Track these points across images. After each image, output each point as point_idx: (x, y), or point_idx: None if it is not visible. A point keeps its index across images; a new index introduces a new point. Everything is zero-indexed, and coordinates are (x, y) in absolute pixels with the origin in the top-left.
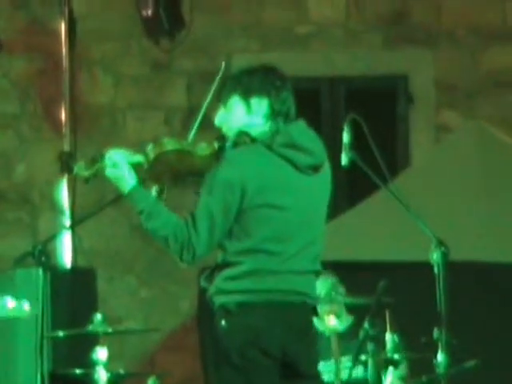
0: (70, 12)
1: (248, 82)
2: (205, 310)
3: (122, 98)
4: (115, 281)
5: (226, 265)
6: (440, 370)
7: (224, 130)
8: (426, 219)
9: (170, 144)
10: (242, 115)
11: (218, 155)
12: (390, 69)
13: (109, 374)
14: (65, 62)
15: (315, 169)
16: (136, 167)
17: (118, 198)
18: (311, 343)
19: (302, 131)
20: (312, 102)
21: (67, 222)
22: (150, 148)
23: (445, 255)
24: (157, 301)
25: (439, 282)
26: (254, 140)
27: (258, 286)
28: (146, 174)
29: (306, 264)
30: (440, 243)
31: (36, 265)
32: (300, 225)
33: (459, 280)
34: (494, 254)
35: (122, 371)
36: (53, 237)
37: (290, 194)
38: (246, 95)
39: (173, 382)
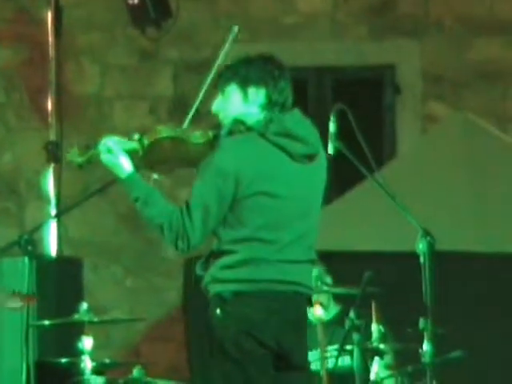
0: (57, 1)
1: (246, 71)
2: (190, 301)
3: (108, 87)
4: (101, 270)
5: (220, 253)
6: (426, 359)
7: (220, 117)
8: (412, 209)
9: (164, 131)
10: (238, 104)
11: (212, 144)
12: (377, 59)
13: (94, 364)
14: (51, 52)
15: (310, 158)
16: (131, 154)
17: (104, 187)
18: (304, 334)
19: (296, 120)
20: (299, 92)
21: (53, 211)
22: (144, 135)
23: (431, 245)
24: (142, 291)
25: (425, 272)
26: (249, 129)
27: (254, 275)
28: (140, 161)
29: (300, 253)
30: (426, 233)
31: (22, 254)
32: (295, 214)
33: (445, 270)
34: (480, 244)
35: (107, 360)
36: (39, 226)
37: (284, 182)
38: (244, 84)
39: (158, 372)
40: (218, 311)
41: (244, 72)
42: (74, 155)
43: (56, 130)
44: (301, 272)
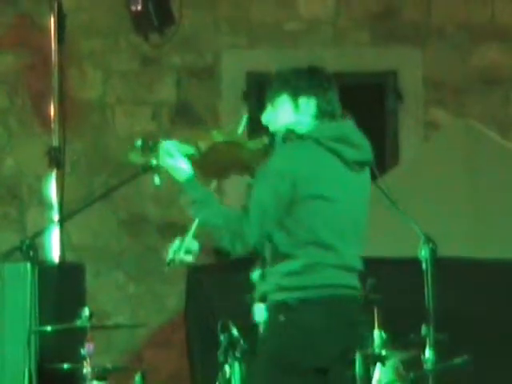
0: (59, 7)
1: (296, 82)
2: (192, 308)
3: (111, 93)
4: (103, 276)
5: (279, 258)
6: (428, 366)
7: (271, 128)
8: (415, 216)
9: (220, 135)
10: (289, 114)
11: (266, 150)
12: (379, 66)
13: (96, 369)
14: (54, 57)
15: (361, 165)
16: (188, 158)
17: (107, 193)
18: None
19: (351, 127)
20: None
21: (55, 216)
22: (199, 142)
23: (433, 251)
24: (144, 296)
25: (427, 279)
26: (301, 136)
27: (318, 281)
28: (196, 165)
29: (353, 261)
30: (428, 239)
31: (24, 259)
32: (348, 220)
33: (447, 276)
34: (482, 251)
35: (109, 366)
36: (41, 232)
37: (338, 187)
38: (295, 94)
39: (160, 378)
40: (282, 318)
41: (294, 82)
42: (135, 156)
43: (58, 135)
44: (354, 278)
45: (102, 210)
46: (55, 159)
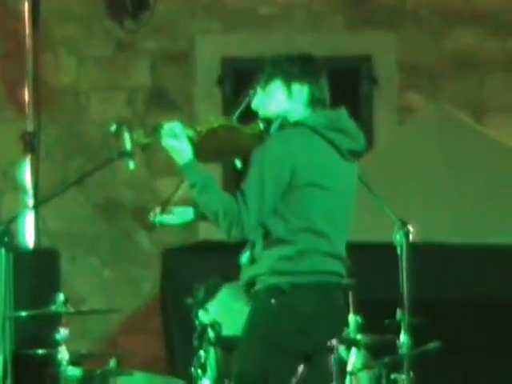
0: None
1: (290, 68)
2: (168, 292)
3: (85, 78)
4: (78, 261)
5: (273, 243)
6: (403, 351)
7: (260, 113)
8: (389, 200)
9: (220, 120)
10: (282, 100)
11: (262, 136)
12: (354, 50)
13: (71, 355)
14: (28, 43)
15: (354, 155)
16: (188, 141)
17: (82, 178)
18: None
19: (346, 117)
20: None
21: (30, 202)
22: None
23: (408, 236)
24: (119, 282)
25: (402, 263)
26: (297, 124)
27: (311, 267)
28: (194, 149)
29: (341, 249)
30: (403, 224)
31: None
32: (340, 209)
33: (422, 261)
34: (457, 235)
35: (84, 351)
36: (16, 217)
37: (333, 176)
38: (288, 81)
39: (135, 363)
40: (274, 301)
41: (288, 69)
42: (139, 136)
43: (33, 120)
44: (341, 266)
45: (77, 196)
46: (30, 144)
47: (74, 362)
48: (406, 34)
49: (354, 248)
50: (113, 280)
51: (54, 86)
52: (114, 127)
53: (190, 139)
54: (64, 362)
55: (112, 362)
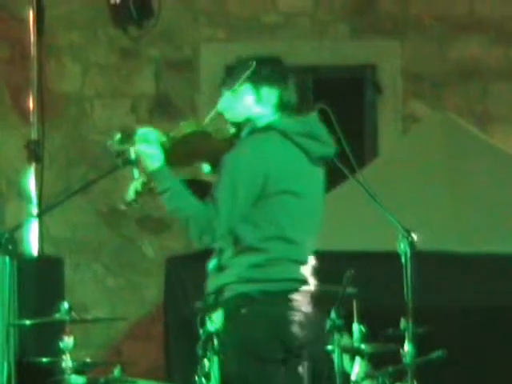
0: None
1: (259, 71)
2: (172, 300)
3: (89, 86)
4: (82, 269)
5: (244, 250)
6: (406, 360)
7: (227, 116)
8: (393, 209)
9: (191, 126)
10: (251, 104)
11: (232, 140)
12: (358, 58)
13: (75, 363)
14: (32, 50)
15: (324, 160)
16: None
17: (86, 186)
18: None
19: (317, 122)
20: None
21: (34, 210)
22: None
23: (412, 245)
24: (123, 290)
25: (406, 272)
26: (267, 128)
27: (282, 274)
28: (165, 155)
29: (309, 256)
30: (407, 233)
31: (3, 253)
32: (310, 215)
33: (426, 270)
34: (460, 244)
35: (88, 360)
36: (20, 225)
37: (304, 182)
38: (257, 84)
39: (139, 371)
40: (244, 311)
41: (257, 72)
42: (116, 142)
43: (37, 128)
44: (306, 272)
45: (81, 203)
46: (34, 152)
47: (77, 370)
48: (410, 43)
49: (357, 257)
50: (116, 288)
51: (58, 93)
52: (118, 135)
53: (163, 145)
54: (68, 371)
55: (116, 371)
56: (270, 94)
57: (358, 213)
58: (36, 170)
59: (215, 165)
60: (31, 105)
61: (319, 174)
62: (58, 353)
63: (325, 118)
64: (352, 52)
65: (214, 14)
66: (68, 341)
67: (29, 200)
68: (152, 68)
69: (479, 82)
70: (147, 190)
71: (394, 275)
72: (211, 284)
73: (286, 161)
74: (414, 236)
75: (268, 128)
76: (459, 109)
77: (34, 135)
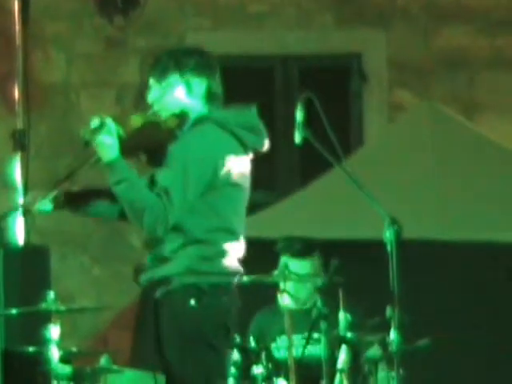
0: None
1: (188, 62)
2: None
3: (75, 75)
4: (68, 259)
5: (190, 242)
6: (393, 348)
7: (156, 107)
8: (379, 197)
9: (143, 116)
10: (182, 96)
11: (174, 131)
12: (343, 48)
13: (61, 352)
14: (18, 40)
15: (255, 151)
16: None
17: (72, 175)
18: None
19: (255, 115)
20: (265, 80)
21: (21, 200)
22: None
23: (398, 233)
24: (109, 280)
25: (392, 261)
26: (208, 120)
27: (227, 268)
28: (120, 146)
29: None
30: (393, 221)
31: None
32: (245, 204)
33: (412, 258)
34: (446, 232)
35: (74, 349)
36: (5, 215)
37: (242, 173)
38: (187, 75)
39: (125, 360)
40: (193, 302)
41: (185, 63)
42: (87, 132)
43: (23, 118)
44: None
45: None
46: (19, 142)
47: (64, 359)
48: (396, 32)
49: (343, 245)
50: (103, 278)
51: (44, 83)
52: (96, 121)
53: (119, 136)
54: (54, 360)
55: (103, 359)
56: (200, 84)
57: (344, 201)
58: (22, 159)
59: (152, 156)
60: (17, 94)
61: (248, 163)
62: (44, 342)
63: (310, 107)
64: (338, 41)
65: (200, 4)
66: (54, 330)
67: (14, 190)
68: (138, 58)
69: (465, 71)
70: None
71: (380, 263)
72: (153, 274)
73: (228, 153)
74: (400, 225)
75: (206, 119)
76: (445, 98)
77: (19, 125)
